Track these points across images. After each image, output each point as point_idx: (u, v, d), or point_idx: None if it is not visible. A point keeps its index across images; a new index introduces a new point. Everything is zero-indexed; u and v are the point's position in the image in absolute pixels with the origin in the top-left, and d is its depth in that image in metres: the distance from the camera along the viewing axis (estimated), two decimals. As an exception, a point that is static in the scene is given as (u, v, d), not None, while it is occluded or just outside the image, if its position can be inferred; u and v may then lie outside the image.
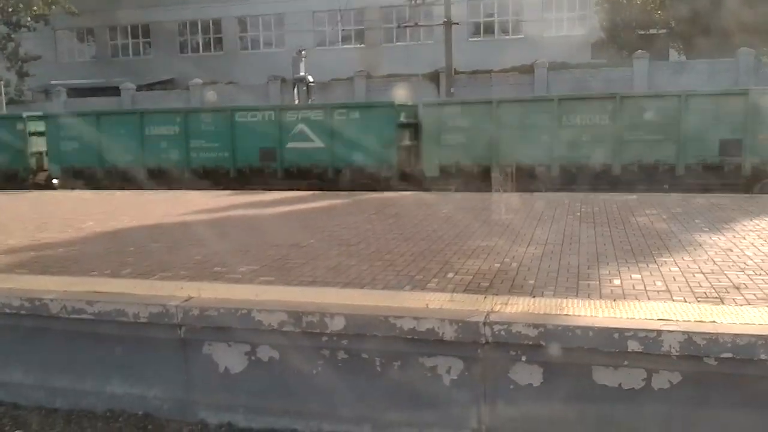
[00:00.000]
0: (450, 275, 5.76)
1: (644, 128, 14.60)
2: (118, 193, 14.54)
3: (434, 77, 26.93)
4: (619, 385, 4.34)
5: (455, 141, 15.68)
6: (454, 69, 24.62)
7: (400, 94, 20.70)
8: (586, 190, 13.19)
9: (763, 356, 4.06)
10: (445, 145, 15.78)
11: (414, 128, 16.81)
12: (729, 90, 15.71)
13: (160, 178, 17.20)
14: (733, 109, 14.31)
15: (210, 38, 37.54)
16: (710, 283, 5.32)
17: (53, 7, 32.23)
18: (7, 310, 5.43)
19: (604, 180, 14.74)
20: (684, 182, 14.20)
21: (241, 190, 14.99)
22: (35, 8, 31.51)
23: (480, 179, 15.11)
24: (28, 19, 31.99)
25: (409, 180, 16.35)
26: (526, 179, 14.68)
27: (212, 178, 17.06)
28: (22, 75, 32.60)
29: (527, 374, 4.48)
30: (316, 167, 16.69)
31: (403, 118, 16.60)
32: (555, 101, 15.50)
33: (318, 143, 16.59)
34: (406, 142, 16.76)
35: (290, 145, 16.78)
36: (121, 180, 17.43)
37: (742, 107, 14.23)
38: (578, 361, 4.34)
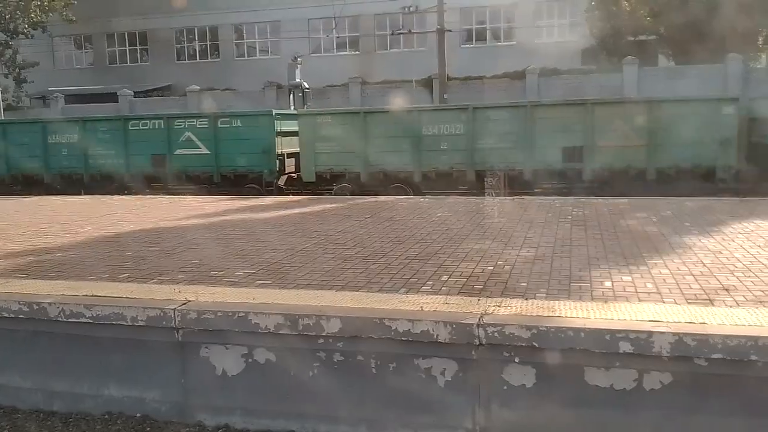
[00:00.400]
0: (444, 278, 5.83)
1: (495, 137, 15.81)
2: (116, 197, 14.69)
3: (428, 83, 27.06)
4: (611, 385, 4.40)
5: (329, 149, 16.88)
6: (447, 75, 24.75)
7: (397, 101, 20.89)
8: (443, 195, 14.39)
9: (753, 357, 4.12)
10: (320, 152, 16.94)
11: None
12: (571, 101, 16.80)
13: (63, 183, 18.69)
14: (576, 118, 15.48)
15: (206, 45, 37.64)
16: (700, 284, 5.40)
17: (51, 14, 32.28)
18: (6, 314, 5.47)
19: (461, 185, 16.05)
20: (532, 186, 15.44)
21: (135, 194, 15.93)
22: (33, 15, 31.55)
23: (354, 184, 16.59)
24: (26, 26, 32.01)
25: (293, 184, 17.68)
26: (393, 184, 16.24)
27: (108, 183, 18.26)
28: (20, 82, 32.63)
29: (520, 375, 4.54)
30: (203, 172, 17.87)
31: (287, 126, 17.71)
32: (415, 112, 16.75)
33: (204, 150, 17.79)
34: (292, 148, 17.75)
35: (179, 151, 18.00)
36: (28, 185, 18.90)
37: (583, 117, 15.38)
38: (570, 362, 4.40)
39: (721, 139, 14.65)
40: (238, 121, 17.71)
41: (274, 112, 17.93)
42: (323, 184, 17.09)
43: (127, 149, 18.28)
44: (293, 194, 16.38)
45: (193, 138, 17.87)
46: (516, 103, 17.22)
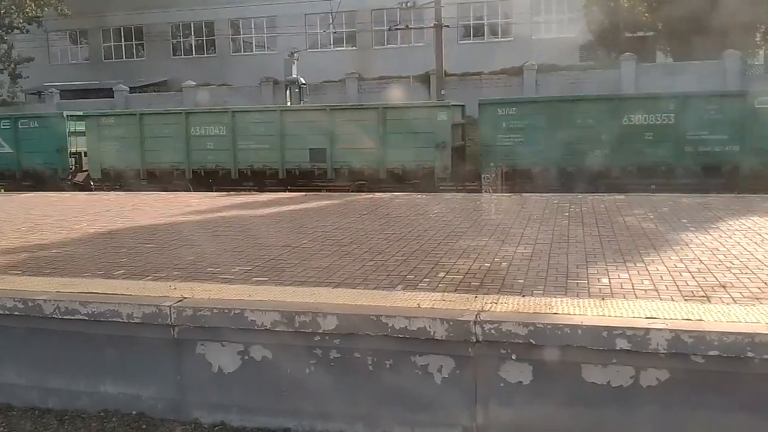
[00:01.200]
0: (441, 275, 5.81)
1: (254, 138, 17.49)
2: (112, 194, 14.67)
3: (425, 79, 27.03)
4: (608, 382, 4.39)
5: (112, 148, 18.52)
6: (445, 71, 24.70)
7: (393, 96, 20.91)
8: (213, 191, 15.42)
9: (749, 354, 4.11)
10: (104, 151, 18.62)
11: None
12: (315, 107, 18.39)
13: None
14: (319, 123, 16.86)
15: (203, 40, 37.53)
16: (697, 281, 5.39)
17: (46, 9, 32.12)
18: (0, 311, 5.44)
19: (227, 182, 17.44)
20: (286, 183, 17.08)
21: None
22: (28, 10, 31.39)
23: (136, 180, 18.12)
24: (21, 21, 31.87)
25: (86, 180, 19.09)
26: (168, 180, 17.77)
27: None
28: (15, 77, 32.51)
29: (517, 372, 4.53)
30: (8, 170, 19.70)
31: (82, 127, 19.13)
32: (183, 114, 18.35)
33: (7, 149, 19.61)
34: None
35: None
36: None
37: (326, 121, 16.93)
38: (567, 359, 4.39)
39: (437, 142, 15.98)
40: (36, 122, 19.56)
41: (66, 113, 19.74)
42: (110, 181, 18.54)
43: None
44: (97, 190, 17.72)
45: None
46: (268, 108, 19.11)
